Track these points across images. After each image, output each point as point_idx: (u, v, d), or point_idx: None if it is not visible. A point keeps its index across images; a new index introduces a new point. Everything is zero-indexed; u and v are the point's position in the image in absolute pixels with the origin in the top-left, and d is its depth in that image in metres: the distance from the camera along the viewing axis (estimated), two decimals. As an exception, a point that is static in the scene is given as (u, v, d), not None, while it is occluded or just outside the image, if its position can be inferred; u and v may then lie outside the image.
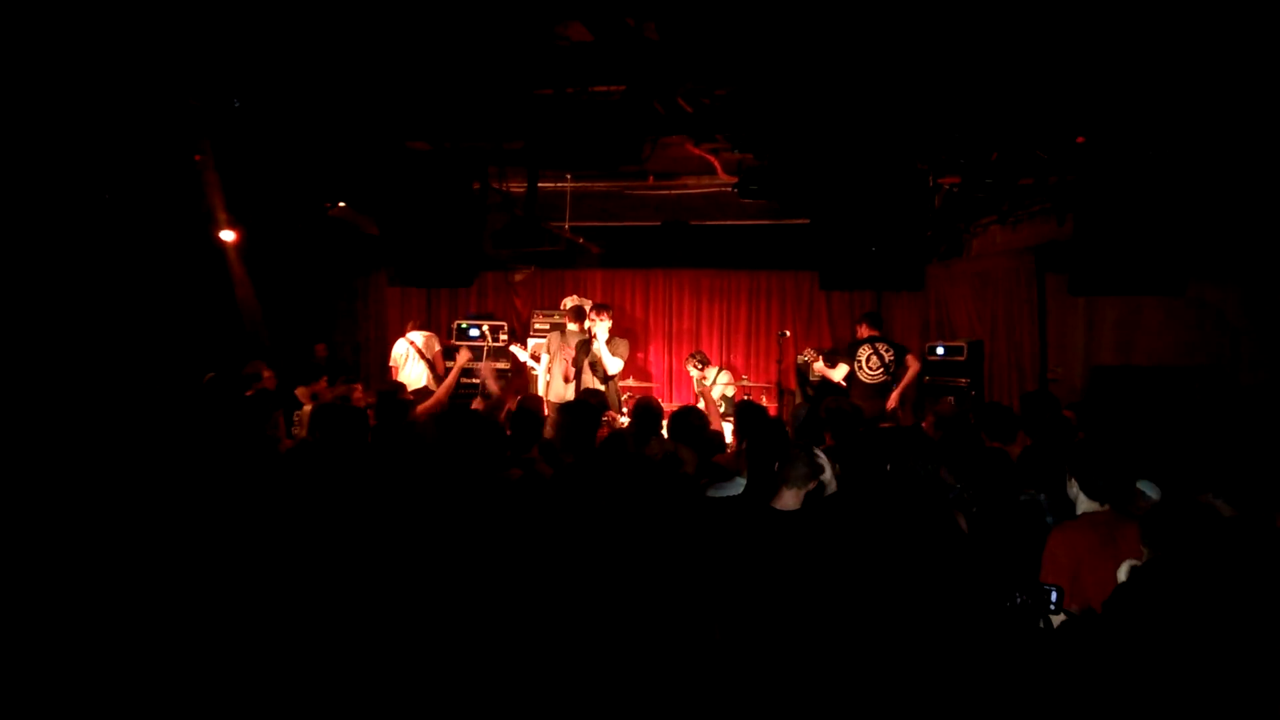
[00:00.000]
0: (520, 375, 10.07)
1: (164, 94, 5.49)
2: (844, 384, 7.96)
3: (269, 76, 5.37)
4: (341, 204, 7.05)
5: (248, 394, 6.29)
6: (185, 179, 6.42)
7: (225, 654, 2.98)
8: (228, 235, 7.65)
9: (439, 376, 9.33)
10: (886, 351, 7.99)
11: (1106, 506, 3.50)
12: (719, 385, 9.65)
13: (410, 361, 9.45)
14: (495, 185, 6.96)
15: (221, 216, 7.40)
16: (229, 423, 4.75)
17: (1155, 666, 2.13)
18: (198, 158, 5.95)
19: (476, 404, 6.90)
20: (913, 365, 8.10)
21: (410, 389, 8.55)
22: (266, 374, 7.14)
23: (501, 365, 9.92)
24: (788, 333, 9.33)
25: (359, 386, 7.04)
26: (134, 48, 4.92)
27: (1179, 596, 2.26)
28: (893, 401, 7.86)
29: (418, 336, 9.56)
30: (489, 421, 4.49)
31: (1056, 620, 2.48)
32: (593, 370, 8.18)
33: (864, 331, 8.19)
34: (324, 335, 10.72)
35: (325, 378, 8.12)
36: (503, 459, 4.10)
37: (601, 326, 8.16)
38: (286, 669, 2.92)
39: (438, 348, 9.70)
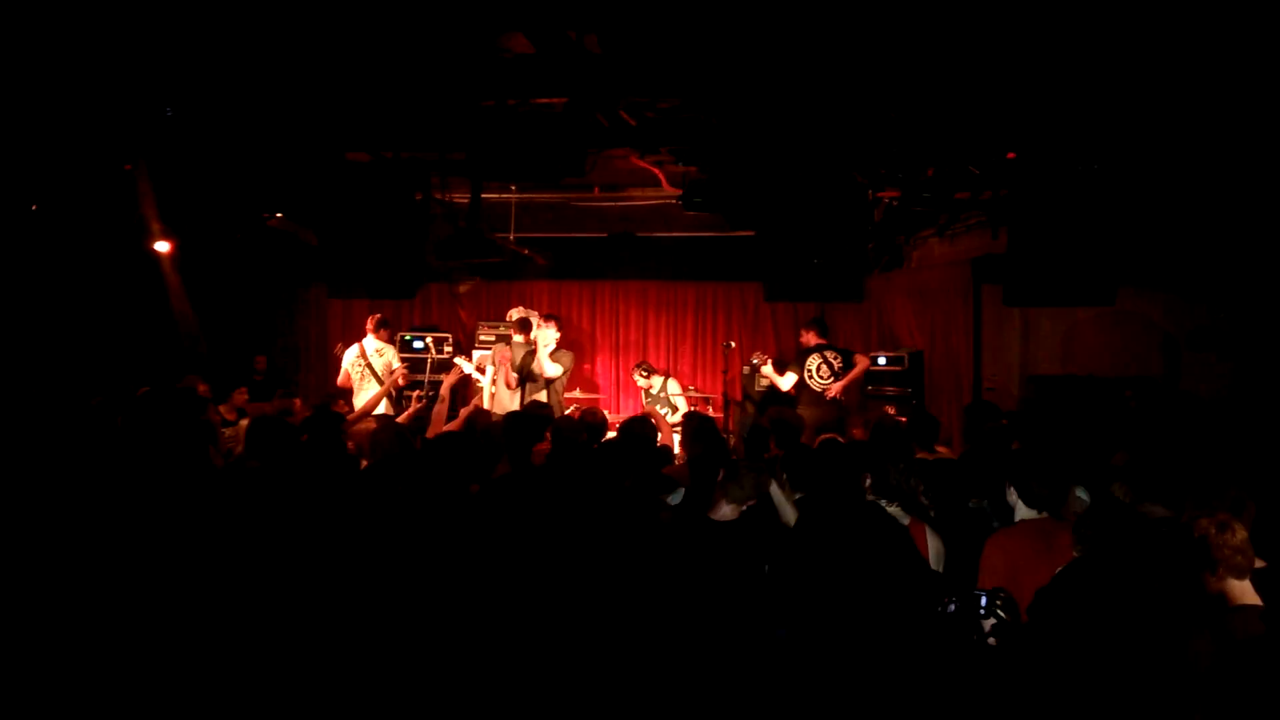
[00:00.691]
0: (467, 388, 9.94)
1: (93, 101, 5.34)
2: (792, 392, 7.98)
3: (204, 84, 5.26)
4: (279, 215, 6.91)
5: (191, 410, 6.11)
6: (117, 188, 6.24)
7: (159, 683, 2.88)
8: (162, 246, 7.46)
9: (395, 400, 8.24)
10: (835, 359, 8.06)
11: (1045, 514, 3.57)
12: (670, 395, 9.69)
13: (366, 381, 8.30)
14: (439, 196, 6.90)
15: (156, 227, 7.21)
16: (164, 440, 4.60)
17: (1072, 660, 2.18)
18: (128, 167, 5.78)
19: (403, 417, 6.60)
20: (861, 362, 8.21)
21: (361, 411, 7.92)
22: (201, 388, 6.96)
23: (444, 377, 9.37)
24: (733, 344, 9.39)
25: (298, 400, 6.88)
26: (62, 53, 4.77)
27: (1097, 592, 2.32)
28: (835, 390, 7.90)
29: (371, 346, 8.47)
30: (459, 438, 4.52)
31: (988, 624, 2.53)
32: (530, 378, 8.15)
33: (811, 339, 8.22)
34: (264, 348, 10.47)
35: (244, 388, 7.76)
36: (465, 475, 4.12)
37: (547, 333, 8.15)
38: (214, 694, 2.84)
39: (397, 364, 8.39)
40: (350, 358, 8.43)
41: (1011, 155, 5.22)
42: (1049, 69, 4.55)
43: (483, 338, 10.42)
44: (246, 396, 7.62)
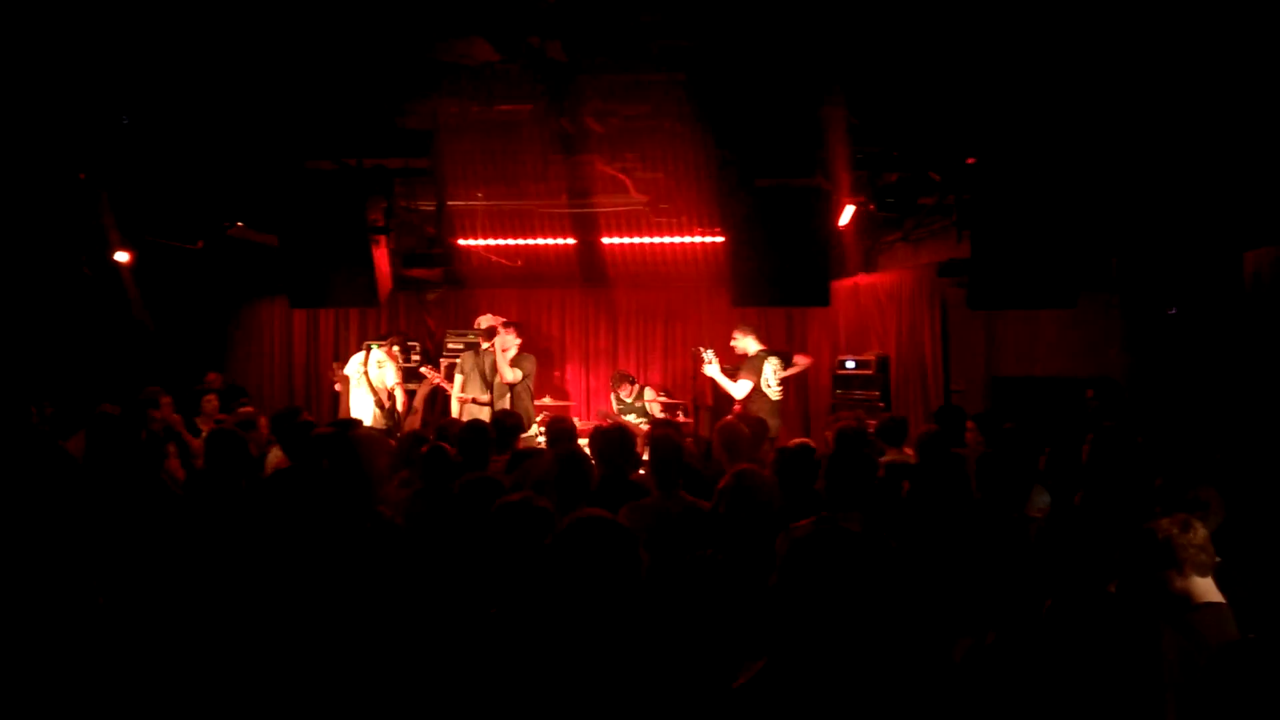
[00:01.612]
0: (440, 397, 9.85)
1: (47, 109, 5.23)
2: (740, 404, 7.56)
3: (162, 92, 5.17)
4: (240, 224, 6.82)
5: (152, 425, 6.03)
6: (71, 198, 6.12)
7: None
8: (122, 256, 7.34)
9: (387, 412, 8.35)
10: (783, 367, 7.94)
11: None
12: (645, 402, 9.66)
13: (359, 388, 8.44)
14: (404, 204, 6.86)
15: (113, 237, 7.09)
16: (121, 457, 4.50)
17: None
18: (83, 176, 5.67)
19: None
20: (800, 361, 8.21)
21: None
22: (165, 400, 6.85)
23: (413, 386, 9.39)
24: (702, 349, 9.38)
25: (263, 418, 6.72)
26: (13, 58, 4.68)
27: None
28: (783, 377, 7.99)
29: (375, 357, 8.56)
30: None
31: None
32: (485, 381, 8.18)
33: (753, 345, 7.87)
34: (222, 360, 10.38)
35: (214, 395, 7.68)
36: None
37: (507, 339, 8.20)
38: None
39: (392, 382, 8.54)
40: (354, 363, 8.67)
41: (972, 160, 5.28)
42: (1008, 73, 4.62)
43: (450, 346, 10.33)
44: (217, 404, 7.52)
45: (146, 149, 5.59)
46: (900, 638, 1.97)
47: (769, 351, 7.96)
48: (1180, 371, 6.56)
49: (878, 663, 1.79)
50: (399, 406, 8.50)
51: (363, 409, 8.45)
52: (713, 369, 7.75)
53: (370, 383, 8.42)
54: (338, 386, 8.81)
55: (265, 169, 5.74)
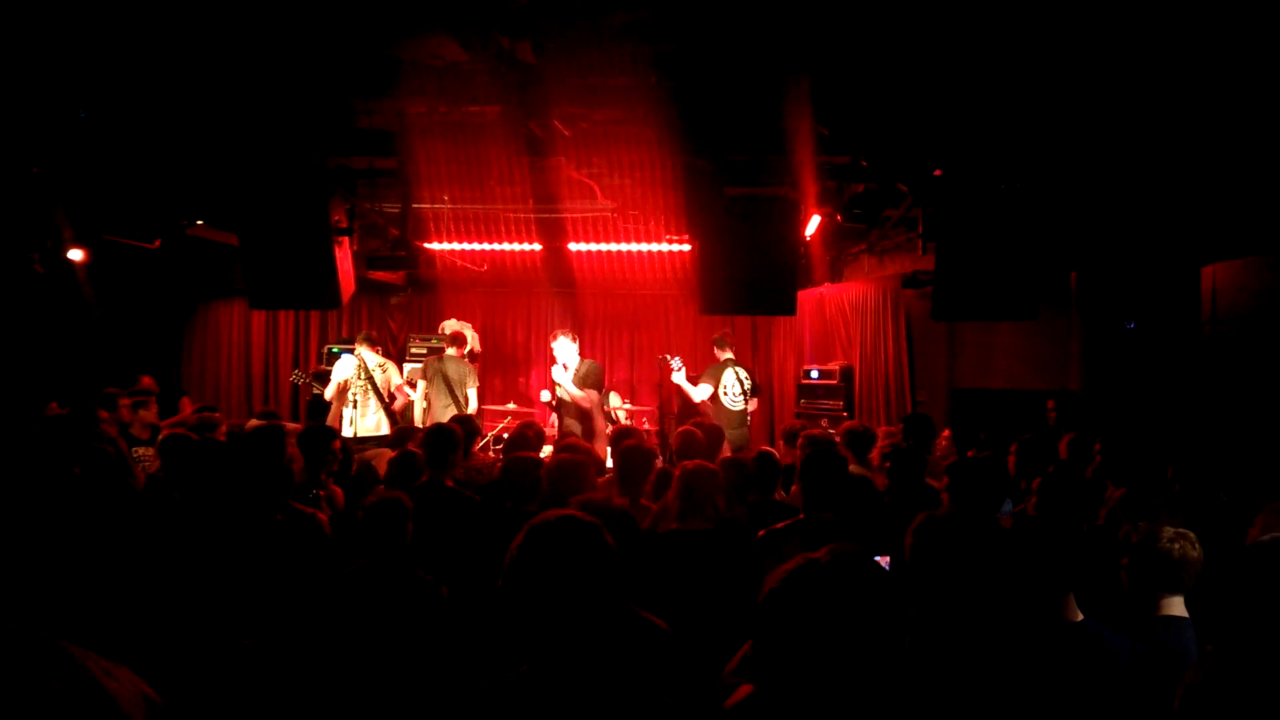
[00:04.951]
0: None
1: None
2: (703, 407, 7.63)
3: (121, 85, 5.04)
4: (200, 222, 6.67)
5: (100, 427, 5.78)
6: (24, 193, 5.94)
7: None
8: (75, 254, 7.15)
9: (393, 420, 7.88)
10: (746, 379, 7.89)
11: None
12: (612, 409, 9.60)
13: (368, 397, 7.92)
14: (369, 205, 6.76)
15: (67, 234, 6.90)
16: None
17: None
18: (36, 170, 5.50)
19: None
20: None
21: (358, 434, 7.65)
22: (124, 402, 6.62)
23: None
24: (669, 356, 9.37)
25: (219, 415, 6.53)
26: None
27: None
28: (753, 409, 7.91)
29: (374, 361, 8.06)
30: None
31: None
32: (452, 393, 7.92)
33: (720, 354, 7.96)
34: (175, 362, 10.17)
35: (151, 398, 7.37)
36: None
37: (569, 350, 7.75)
38: None
39: (398, 381, 8.20)
40: (347, 371, 8.01)
41: (938, 172, 5.33)
42: (975, 87, 4.67)
43: (414, 350, 10.21)
44: (156, 411, 7.25)
45: (103, 144, 5.44)
46: None
47: (734, 362, 7.93)
48: (1138, 384, 6.68)
49: None
50: (397, 406, 8.22)
51: (373, 414, 7.98)
52: (679, 376, 7.74)
53: (376, 389, 7.95)
54: (328, 394, 8.10)
55: (227, 166, 5.62)
